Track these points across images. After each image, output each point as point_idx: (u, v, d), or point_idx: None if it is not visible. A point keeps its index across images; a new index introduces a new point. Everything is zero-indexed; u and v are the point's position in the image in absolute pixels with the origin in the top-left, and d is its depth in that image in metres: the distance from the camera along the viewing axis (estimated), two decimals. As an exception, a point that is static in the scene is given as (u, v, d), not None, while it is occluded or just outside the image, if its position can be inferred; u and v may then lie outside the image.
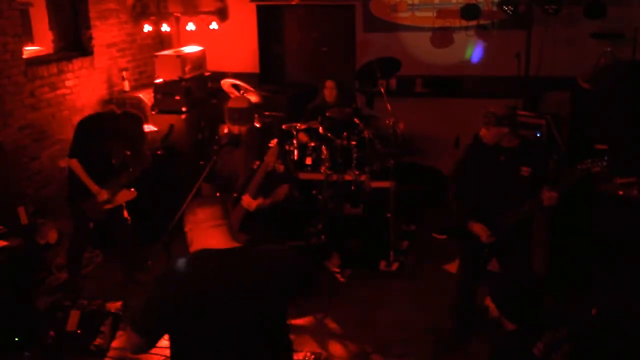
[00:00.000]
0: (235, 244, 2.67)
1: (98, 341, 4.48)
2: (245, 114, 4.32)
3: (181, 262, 2.62)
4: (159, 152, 6.30)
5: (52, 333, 4.52)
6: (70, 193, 5.11)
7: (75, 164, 4.96)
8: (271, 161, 4.14)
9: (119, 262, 5.43)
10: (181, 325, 2.50)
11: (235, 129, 4.33)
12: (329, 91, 6.31)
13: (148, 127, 6.76)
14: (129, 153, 5.00)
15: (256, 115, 6.43)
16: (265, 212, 4.33)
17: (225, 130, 4.46)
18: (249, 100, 4.67)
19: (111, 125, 5.01)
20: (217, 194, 4.28)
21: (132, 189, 5.13)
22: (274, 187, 4.36)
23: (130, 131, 5.16)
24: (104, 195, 4.96)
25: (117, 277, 5.39)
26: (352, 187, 5.82)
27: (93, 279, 5.48)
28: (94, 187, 4.95)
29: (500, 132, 4.05)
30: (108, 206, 5.01)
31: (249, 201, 4.24)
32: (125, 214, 5.22)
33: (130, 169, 5.03)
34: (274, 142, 4.18)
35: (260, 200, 4.26)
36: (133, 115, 5.38)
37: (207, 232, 2.67)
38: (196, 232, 2.70)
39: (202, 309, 2.50)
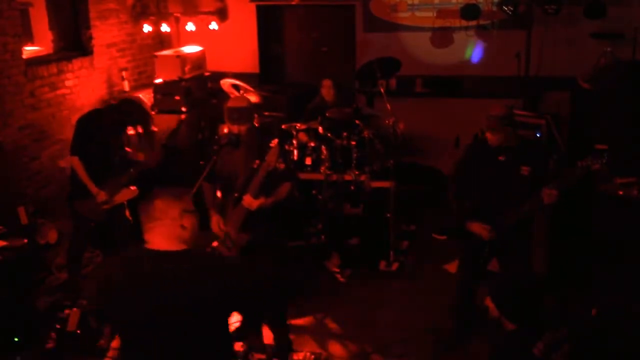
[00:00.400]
0: (181, 247, 2.48)
1: (98, 341, 4.49)
2: (245, 113, 4.32)
3: (116, 263, 2.52)
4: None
5: (52, 333, 4.52)
6: (70, 193, 5.10)
7: (76, 162, 4.96)
8: (272, 161, 4.14)
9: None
10: (117, 329, 2.50)
11: (235, 129, 4.32)
12: (327, 90, 6.32)
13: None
14: (141, 131, 4.96)
15: (256, 115, 6.45)
16: (265, 212, 4.33)
17: (225, 130, 4.46)
18: (248, 100, 4.66)
19: (111, 118, 4.97)
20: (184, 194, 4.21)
21: (134, 187, 5.09)
22: (275, 186, 4.35)
23: (134, 114, 5.12)
24: (102, 196, 4.94)
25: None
26: (352, 187, 5.82)
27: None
28: (93, 187, 4.94)
29: (506, 132, 4.07)
30: (106, 206, 5.01)
31: (250, 201, 4.23)
32: (127, 213, 5.21)
33: (132, 169, 5.00)
34: (274, 142, 4.18)
35: (262, 200, 4.25)
36: (132, 100, 5.31)
37: (156, 228, 2.47)
38: (150, 225, 2.50)
39: (130, 318, 2.40)
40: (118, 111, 5.01)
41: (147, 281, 2.41)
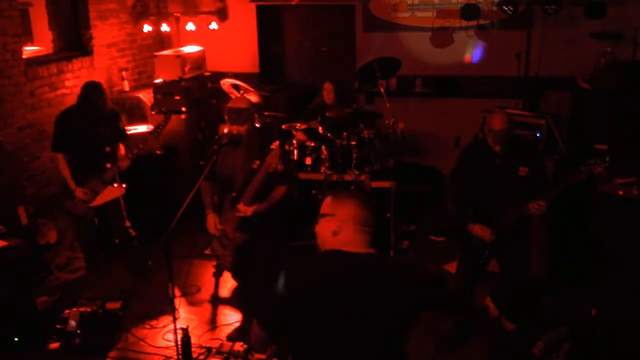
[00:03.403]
0: (369, 250, 2.49)
1: (98, 341, 4.49)
2: (245, 114, 4.32)
3: (311, 260, 2.51)
4: (158, 152, 6.30)
5: (52, 333, 4.53)
6: (60, 191, 5.13)
7: (59, 158, 5.00)
8: (273, 162, 4.14)
9: (121, 265, 5.43)
10: (299, 328, 2.39)
11: (235, 129, 4.33)
12: (327, 93, 6.32)
13: (147, 127, 6.77)
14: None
15: (256, 116, 6.45)
16: (263, 212, 4.34)
17: (225, 130, 4.46)
18: (249, 100, 4.67)
19: (84, 112, 4.94)
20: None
21: (121, 185, 5.06)
22: (270, 190, 4.36)
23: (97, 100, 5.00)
24: (79, 193, 4.93)
25: (117, 277, 5.40)
26: (352, 187, 5.82)
27: (101, 275, 5.47)
28: (71, 184, 4.95)
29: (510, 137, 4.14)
30: (94, 204, 4.99)
31: (244, 209, 4.26)
32: (132, 231, 5.20)
33: (117, 164, 4.97)
34: (276, 144, 4.18)
35: (255, 207, 4.27)
36: (93, 84, 5.12)
37: (350, 234, 2.47)
38: (346, 228, 2.47)
39: (323, 311, 2.35)
40: (86, 100, 4.95)
41: (349, 277, 2.39)
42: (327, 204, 2.55)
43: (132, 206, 5.27)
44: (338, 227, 2.47)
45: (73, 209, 5.04)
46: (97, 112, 4.97)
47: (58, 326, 4.61)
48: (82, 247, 5.43)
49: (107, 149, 5.02)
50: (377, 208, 5.83)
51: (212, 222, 4.45)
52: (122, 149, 5.17)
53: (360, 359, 2.37)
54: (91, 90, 4.97)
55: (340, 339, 2.34)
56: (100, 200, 5.03)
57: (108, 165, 4.98)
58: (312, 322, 2.38)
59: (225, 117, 4.37)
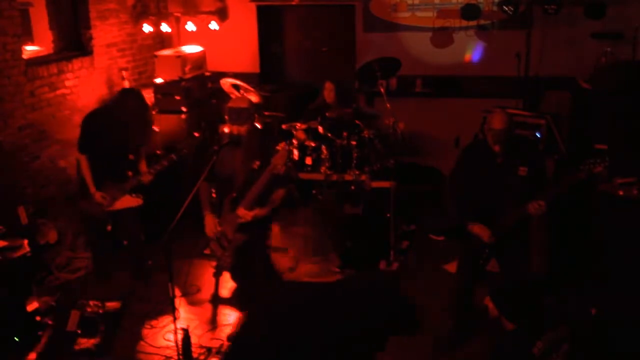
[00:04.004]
0: (331, 278, 2.41)
1: (98, 341, 4.49)
2: (244, 114, 4.33)
3: (275, 297, 2.41)
4: (158, 152, 6.29)
5: (52, 333, 4.53)
6: (78, 192, 5.12)
7: (83, 160, 4.95)
8: (279, 164, 4.14)
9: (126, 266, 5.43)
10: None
11: (235, 129, 4.33)
12: (328, 93, 6.32)
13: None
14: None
15: (256, 116, 6.45)
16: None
17: (226, 130, 4.46)
18: (249, 100, 4.67)
19: (117, 115, 4.89)
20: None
21: (137, 196, 5.05)
22: (270, 193, 4.36)
23: (138, 108, 4.99)
24: (99, 197, 4.90)
25: (117, 277, 5.40)
26: (352, 187, 5.82)
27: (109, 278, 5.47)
28: (91, 187, 4.93)
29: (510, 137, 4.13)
30: (110, 208, 4.98)
31: (244, 213, 4.25)
32: (142, 235, 5.20)
33: (138, 177, 4.96)
34: (282, 146, 4.17)
35: (256, 211, 4.27)
36: (132, 91, 5.14)
37: (307, 268, 2.41)
38: (302, 263, 2.41)
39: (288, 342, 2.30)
40: (122, 107, 4.91)
41: (313, 312, 2.34)
42: (277, 236, 2.46)
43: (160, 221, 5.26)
44: (293, 264, 2.40)
45: (89, 210, 5.02)
46: (126, 118, 4.89)
47: (58, 326, 4.61)
48: (92, 249, 5.40)
49: (131, 156, 5.00)
50: (377, 208, 5.85)
51: (211, 224, 4.44)
52: (144, 164, 5.13)
53: None
54: (132, 98, 4.92)
55: None
56: (117, 206, 5.01)
57: (129, 174, 4.96)
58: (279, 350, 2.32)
59: (226, 117, 4.38)
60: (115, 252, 5.56)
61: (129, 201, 5.04)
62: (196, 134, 5.38)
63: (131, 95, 4.98)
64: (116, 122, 4.89)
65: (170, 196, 5.92)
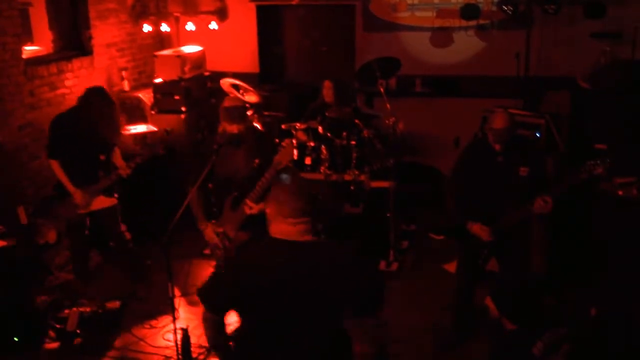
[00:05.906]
0: (307, 238, 2.71)
1: (97, 340, 4.49)
2: (237, 111, 4.30)
3: (255, 250, 2.79)
4: (161, 152, 6.28)
5: (52, 333, 4.53)
6: (50, 196, 5.03)
7: (55, 165, 4.83)
8: (284, 160, 4.12)
9: (118, 267, 5.40)
10: (246, 307, 2.70)
11: (230, 129, 4.31)
12: (327, 91, 6.32)
13: (148, 127, 6.77)
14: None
15: (256, 115, 6.45)
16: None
17: (225, 130, 4.45)
18: (241, 99, 4.65)
19: (85, 117, 4.72)
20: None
21: (112, 196, 4.93)
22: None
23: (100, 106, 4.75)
24: (78, 196, 4.77)
25: (117, 277, 5.39)
26: (352, 187, 5.82)
27: (93, 279, 5.47)
28: (70, 186, 4.79)
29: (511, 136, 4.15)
30: (81, 210, 4.86)
31: (252, 205, 4.23)
32: (127, 234, 5.12)
33: (112, 174, 4.82)
34: (287, 142, 4.16)
35: (261, 206, 4.24)
36: (96, 90, 4.86)
37: (285, 226, 2.71)
38: (276, 221, 2.73)
39: (267, 298, 2.62)
40: (88, 107, 4.70)
41: (289, 267, 2.66)
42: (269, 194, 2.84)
43: (132, 207, 5.25)
44: (269, 220, 2.77)
45: (65, 214, 4.95)
46: (94, 119, 4.71)
47: (58, 326, 4.61)
48: (72, 252, 5.31)
49: (102, 157, 4.84)
50: (377, 208, 5.85)
51: (210, 232, 4.39)
52: (119, 159, 4.98)
53: (301, 334, 2.67)
54: (95, 97, 4.72)
55: (282, 319, 2.65)
56: (92, 207, 4.89)
57: (101, 174, 4.82)
58: (258, 306, 2.66)
59: (220, 118, 4.36)
60: (105, 255, 5.53)
61: (103, 202, 4.90)
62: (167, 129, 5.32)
63: (95, 94, 4.75)
64: (83, 123, 4.72)
65: (162, 191, 5.92)
